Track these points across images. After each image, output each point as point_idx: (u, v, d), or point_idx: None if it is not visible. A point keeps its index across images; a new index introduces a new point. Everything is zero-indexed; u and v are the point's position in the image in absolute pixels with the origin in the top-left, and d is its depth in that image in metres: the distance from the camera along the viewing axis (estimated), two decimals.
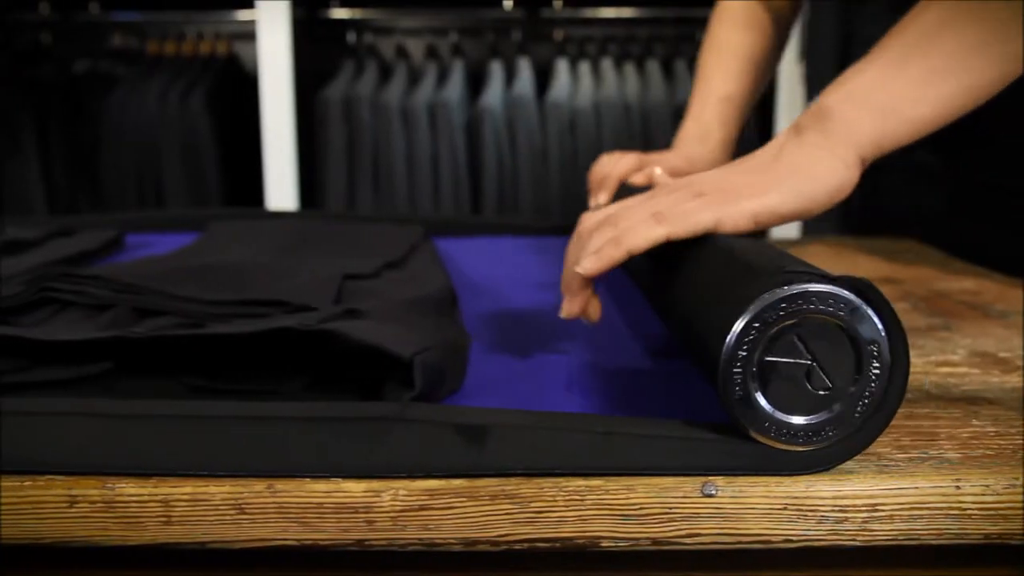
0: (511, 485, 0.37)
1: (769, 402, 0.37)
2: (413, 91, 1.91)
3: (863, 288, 0.36)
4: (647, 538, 0.38)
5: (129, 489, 0.37)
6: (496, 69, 1.95)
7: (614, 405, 0.45)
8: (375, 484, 0.37)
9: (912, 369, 0.52)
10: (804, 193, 0.49)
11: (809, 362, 0.37)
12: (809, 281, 0.36)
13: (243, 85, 1.99)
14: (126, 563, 0.41)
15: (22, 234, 0.86)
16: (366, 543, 0.38)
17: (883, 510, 0.38)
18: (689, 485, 0.38)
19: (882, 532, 0.38)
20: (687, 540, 0.38)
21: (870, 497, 0.38)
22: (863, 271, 0.80)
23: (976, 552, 0.41)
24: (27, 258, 0.80)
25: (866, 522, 0.38)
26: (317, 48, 1.96)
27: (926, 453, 0.40)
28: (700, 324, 0.41)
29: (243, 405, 0.39)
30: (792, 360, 0.37)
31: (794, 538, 0.38)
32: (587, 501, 0.37)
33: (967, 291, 0.73)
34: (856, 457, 0.40)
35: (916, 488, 0.38)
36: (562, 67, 1.93)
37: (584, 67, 1.94)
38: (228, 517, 0.37)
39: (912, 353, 0.55)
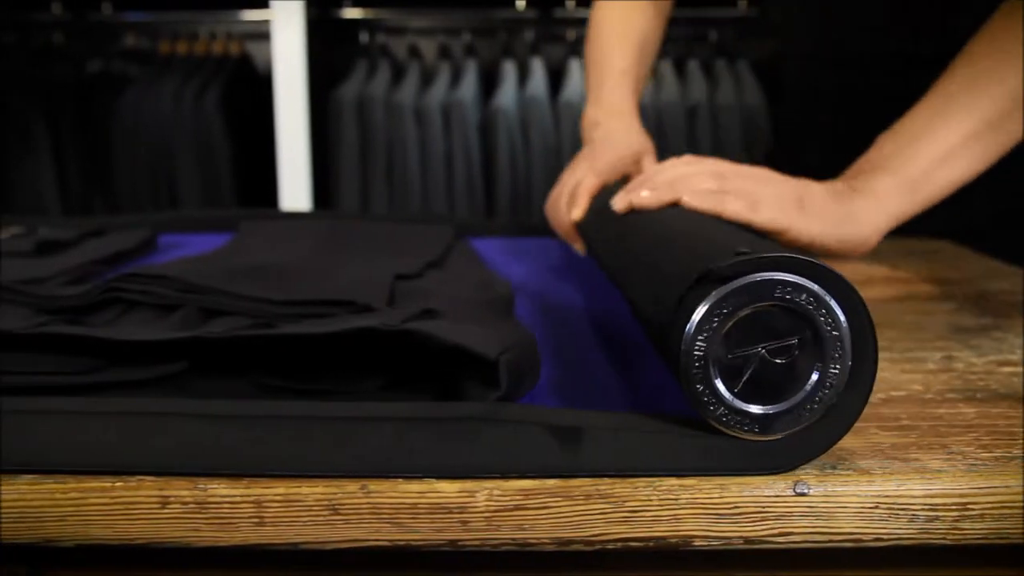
0: (605, 485, 0.37)
1: (731, 392, 0.37)
2: (427, 91, 1.91)
3: (822, 275, 0.36)
4: (740, 537, 0.38)
5: (221, 490, 0.37)
6: (509, 69, 1.95)
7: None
8: (469, 484, 0.37)
9: (974, 369, 0.53)
10: (848, 241, 0.58)
11: (770, 350, 0.37)
12: (766, 269, 0.36)
13: (255, 85, 1.98)
14: (217, 564, 0.41)
15: (56, 234, 0.85)
16: (459, 543, 0.38)
17: (974, 509, 0.38)
18: (782, 483, 0.38)
19: (972, 531, 0.38)
20: (779, 539, 0.38)
21: (961, 496, 0.38)
22: (903, 273, 0.80)
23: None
24: (63, 258, 0.80)
25: (957, 521, 0.38)
26: (330, 48, 1.96)
27: (1010, 452, 0.40)
28: (657, 314, 0.41)
29: (337, 406, 0.39)
30: (753, 349, 0.37)
31: (884, 536, 0.38)
32: (681, 500, 0.37)
33: (1009, 291, 0.74)
34: (943, 456, 0.40)
35: (1007, 487, 0.38)
36: (575, 67, 1.93)
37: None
38: (321, 518, 0.37)
39: (970, 353, 0.56)
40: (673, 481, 0.38)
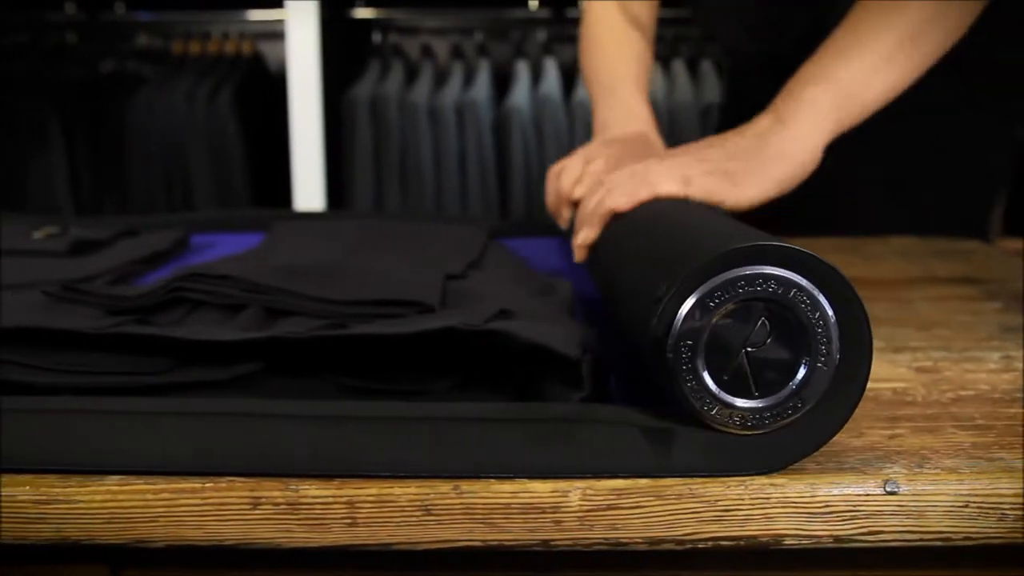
0: (697, 484, 0.37)
1: (719, 386, 0.37)
2: (440, 91, 1.91)
3: (813, 268, 0.36)
4: (830, 536, 0.38)
5: (313, 491, 0.37)
6: (522, 69, 1.95)
7: None
8: (561, 484, 0.37)
9: None
10: (788, 179, 0.59)
11: (755, 344, 0.36)
12: (752, 263, 0.36)
13: (268, 85, 1.98)
14: (308, 564, 0.41)
15: (90, 234, 0.85)
16: (551, 543, 0.38)
17: None
18: (871, 482, 0.38)
19: None
20: (868, 538, 0.38)
21: None
22: (942, 273, 0.81)
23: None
24: (102, 258, 0.80)
25: None
26: (342, 48, 1.95)
27: None
28: (638, 309, 0.41)
29: (430, 407, 0.39)
30: (737, 345, 0.36)
31: (974, 535, 0.38)
32: (772, 499, 0.38)
33: None
34: None
35: None
36: None
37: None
38: (414, 519, 0.37)
39: None
40: (763, 480, 0.38)
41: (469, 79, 1.95)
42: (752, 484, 0.38)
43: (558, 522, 0.37)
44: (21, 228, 0.89)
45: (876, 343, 0.57)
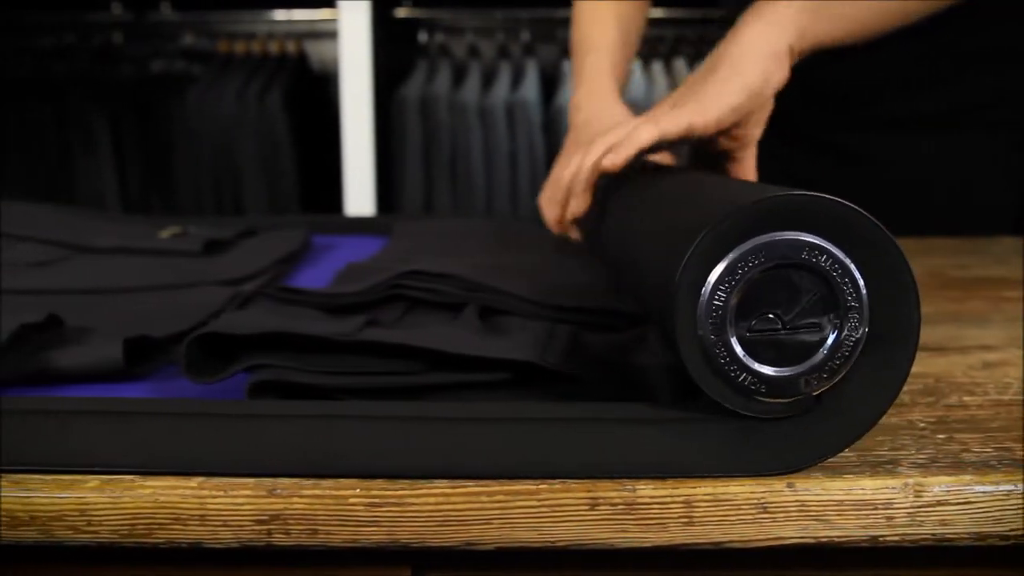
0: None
1: (748, 352, 0.36)
2: (490, 90, 1.91)
3: (843, 231, 0.35)
4: None
5: (648, 491, 0.38)
6: (569, 68, 1.95)
7: None
8: (890, 481, 0.38)
9: None
10: (749, 87, 0.56)
11: (785, 311, 0.36)
12: (776, 229, 0.35)
13: (313, 85, 1.97)
14: (639, 564, 0.42)
15: (214, 233, 0.85)
16: (879, 539, 0.38)
17: None
18: None
19: None
20: None
21: None
22: None
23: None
24: (242, 258, 0.80)
25: None
26: (389, 48, 1.95)
27: None
28: (656, 280, 0.40)
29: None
30: (768, 311, 0.36)
31: None
32: None
33: None
34: None
35: None
36: (635, 66, 1.94)
37: (657, 67, 1.96)
38: (749, 517, 0.38)
39: None
40: None
41: (517, 79, 1.95)
42: None
43: (890, 518, 0.38)
44: (143, 228, 0.89)
45: None
